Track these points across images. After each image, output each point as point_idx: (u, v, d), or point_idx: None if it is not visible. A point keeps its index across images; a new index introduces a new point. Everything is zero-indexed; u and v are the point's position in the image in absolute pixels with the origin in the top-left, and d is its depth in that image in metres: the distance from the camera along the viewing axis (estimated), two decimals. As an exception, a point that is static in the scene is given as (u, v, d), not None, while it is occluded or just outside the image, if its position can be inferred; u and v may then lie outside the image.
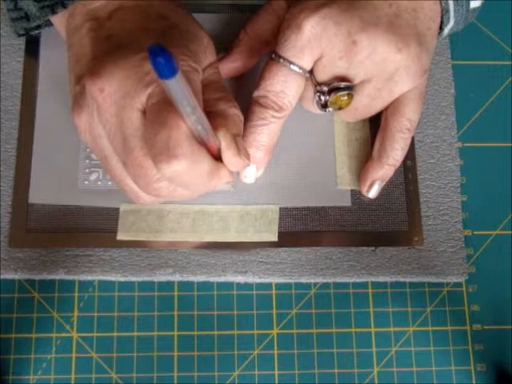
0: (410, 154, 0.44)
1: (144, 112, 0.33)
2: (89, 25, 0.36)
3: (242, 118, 0.37)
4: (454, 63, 0.47)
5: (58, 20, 0.39)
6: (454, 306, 0.43)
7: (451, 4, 0.39)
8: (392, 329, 0.42)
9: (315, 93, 0.39)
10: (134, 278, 0.42)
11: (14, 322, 0.41)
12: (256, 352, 0.41)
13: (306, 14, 0.37)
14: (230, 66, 0.42)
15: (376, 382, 0.41)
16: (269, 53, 0.39)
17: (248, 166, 0.36)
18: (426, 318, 0.43)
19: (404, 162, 0.43)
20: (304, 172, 0.43)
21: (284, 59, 0.38)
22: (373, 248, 0.43)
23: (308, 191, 0.43)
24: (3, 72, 0.44)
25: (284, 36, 0.38)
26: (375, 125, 0.43)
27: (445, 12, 0.39)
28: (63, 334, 0.41)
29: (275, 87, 0.38)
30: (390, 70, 0.38)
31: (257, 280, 0.42)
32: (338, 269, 0.42)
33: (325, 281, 0.43)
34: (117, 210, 0.42)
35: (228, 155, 0.35)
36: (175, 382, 0.41)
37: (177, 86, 0.27)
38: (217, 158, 0.35)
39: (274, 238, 0.42)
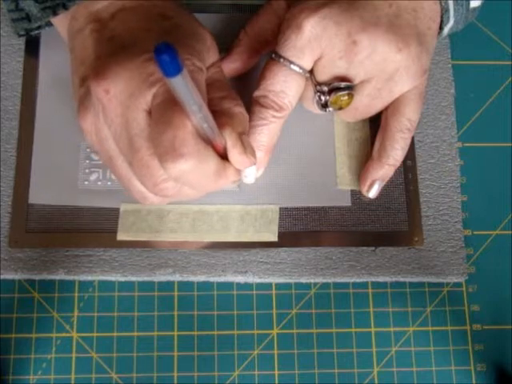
0: (410, 154, 0.44)
1: (149, 112, 0.32)
2: (91, 26, 0.36)
3: (246, 116, 0.37)
4: (453, 63, 0.47)
5: (60, 21, 0.39)
6: (454, 305, 0.43)
7: (451, 4, 0.39)
8: (392, 329, 0.42)
9: (315, 93, 0.39)
10: (134, 278, 0.42)
11: (14, 322, 0.41)
12: (256, 352, 0.41)
13: (306, 14, 0.37)
14: (231, 67, 0.42)
15: (376, 381, 0.41)
16: (269, 53, 0.39)
17: (255, 163, 0.36)
18: (426, 318, 0.43)
19: (404, 161, 0.43)
20: (304, 172, 0.43)
21: (284, 59, 0.38)
22: (373, 248, 0.43)
23: (308, 191, 0.43)
24: (3, 72, 0.44)
25: (284, 36, 0.38)
26: (375, 125, 0.43)
27: (444, 11, 0.39)
28: (63, 334, 0.41)
29: (275, 87, 0.38)
30: (390, 70, 0.38)
31: (257, 280, 0.42)
32: (337, 269, 0.42)
33: (325, 281, 0.43)
34: (117, 210, 0.42)
35: (234, 154, 0.34)
36: (175, 381, 0.41)
37: (182, 84, 0.27)
38: (223, 157, 0.35)
39: (274, 237, 0.42)
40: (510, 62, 0.48)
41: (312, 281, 0.42)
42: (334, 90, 0.39)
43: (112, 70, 0.33)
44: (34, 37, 0.44)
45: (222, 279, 0.42)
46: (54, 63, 0.44)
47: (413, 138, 0.45)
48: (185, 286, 0.42)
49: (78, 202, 0.42)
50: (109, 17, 0.36)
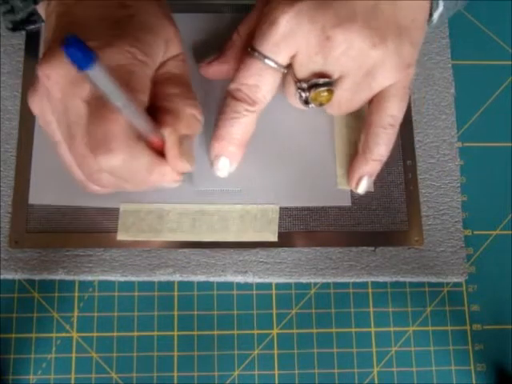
0: (410, 154, 0.44)
1: (88, 102, 0.32)
2: (57, 9, 0.36)
3: (200, 118, 0.36)
4: (453, 63, 0.47)
5: (43, 10, 0.39)
6: (454, 305, 0.43)
7: None
8: (392, 329, 0.42)
9: (296, 89, 0.39)
10: (134, 278, 0.42)
11: (14, 322, 0.41)
12: (256, 352, 0.41)
13: (281, 9, 0.36)
14: (224, 67, 0.41)
15: (376, 381, 0.41)
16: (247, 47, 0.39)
17: (190, 171, 0.36)
18: (426, 317, 0.43)
19: (404, 161, 0.43)
20: (304, 172, 0.43)
21: (259, 53, 0.37)
22: (373, 248, 0.43)
23: (308, 191, 0.43)
24: (3, 72, 0.44)
25: (261, 30, 0.37)
26: (375, 125, 0.43)
27: None
28: (63, 334, 0.41)
29: (249, 81, 0.38)
30: (367, 66, 0.37)
31: (257, 280, 0.42)
32: (337, 269, 0.42)
33: (325, 281, 0.43)
34: (117, 210, 0.42)
35: (170, 155, 0.34)
36: (175, 381, 0.41)
37: (99, 78, 0.27)
38: (163, 154, 0.34)
39: (274, 237, 0.42)
40: (510, 62, 0.48)
41: (312, 281, 0.42)
42: (313, 86, 0.38)
43: (56, 56, 0.32)
44: (34, 37, 0.44)
45: (222, 279, 0.42)
46: (54, 63, 0.44)
47: (413, 138, 0.45)
48: (185, 285, 0.42)
49: (78, 202, 0.42)
50: (73, 2, 0.35)
